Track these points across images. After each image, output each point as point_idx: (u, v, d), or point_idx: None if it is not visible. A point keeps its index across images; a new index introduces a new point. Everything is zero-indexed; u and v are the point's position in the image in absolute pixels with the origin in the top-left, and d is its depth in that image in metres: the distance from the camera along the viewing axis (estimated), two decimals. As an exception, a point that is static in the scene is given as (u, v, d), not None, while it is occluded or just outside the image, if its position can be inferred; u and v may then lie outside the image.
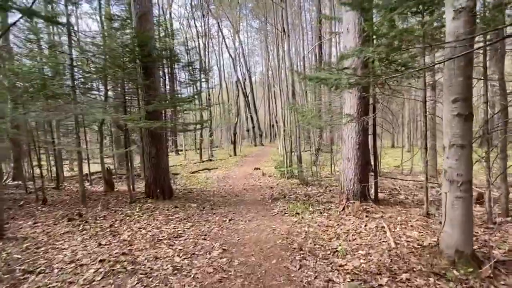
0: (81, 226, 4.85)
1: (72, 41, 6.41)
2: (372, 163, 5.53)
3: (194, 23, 23.23)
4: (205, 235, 4.50)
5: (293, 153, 11.68)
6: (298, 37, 24.52)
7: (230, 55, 26.48)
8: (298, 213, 5.34)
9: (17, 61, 7.78)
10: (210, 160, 18.65)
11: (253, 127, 29.50)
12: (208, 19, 23.91)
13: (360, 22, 4.93)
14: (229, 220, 5.31)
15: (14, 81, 6.67)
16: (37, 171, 8.34)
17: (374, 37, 4.06)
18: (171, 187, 7.19)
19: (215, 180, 11.87)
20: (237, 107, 22.86)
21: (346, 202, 5.38)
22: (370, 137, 5.68)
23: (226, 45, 26.66)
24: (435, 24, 3.43)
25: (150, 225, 4.91)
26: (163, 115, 8.59)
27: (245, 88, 28.65)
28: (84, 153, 11.72)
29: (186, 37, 19.75)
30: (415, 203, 5.76)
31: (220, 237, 4.41)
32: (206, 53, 23.41)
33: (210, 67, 18.62)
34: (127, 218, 5.31)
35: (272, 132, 34.72)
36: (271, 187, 8.87)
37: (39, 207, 6.32)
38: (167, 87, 11.31)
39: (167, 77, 11.42)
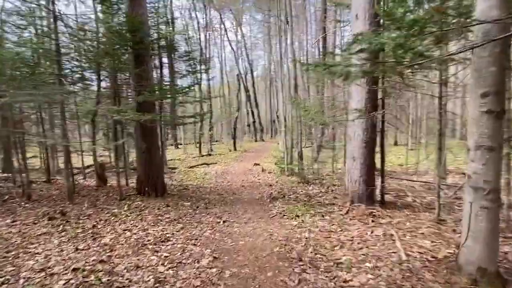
0: (62, 226, 4.44)
1: (59, 25, 5.93)
2: (379, 163, 5.07)
3: (196, 14, 22.60)
4: (196, 239, 4.08)
5: (293, 150, 11.24)
6: (301, 31, 23.87)
7: (232, 48, 25.89)
8: (298, 216, 4.91)
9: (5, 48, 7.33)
10: (210, 155, 18.23)
11: (254, 122, 29.00)
12: (209, 11, 23.27)
13: (371, 7, 4.43)
14: (224, 221, 4.89)
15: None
16: (27, 162, 7.94)
17: (388, 22, 3.58)
18: (164, 184, 6.77)
19: (213, 176, 11.46)
20: (238, 101, 22.35)
21: (350, 205, 4.94)
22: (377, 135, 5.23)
23: (228, 38, 26.04)
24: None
25: (137, 226, 4.49)
26: (159, 107, 8.15)
27: (246, 83, 28.08)
28: (79, 146, 11.34)
29: (187, 28, 19.17)
30: (424, 207, 5.31)
31: (212, 242, 3.99)
32: (208, 45, 22.84)
33: (210, 57, 17.99)
34: (113, 218, 4.89)
35: (273, 128, 34.22)
36: (270, 185, 8.44)
37: (23, 203, 5.92)
38: (166, 78, 10.87)
39: (166, 68, 10.96)
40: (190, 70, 8.14)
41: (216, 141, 27.25)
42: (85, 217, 4.90)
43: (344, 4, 6.86)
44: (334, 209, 5.14)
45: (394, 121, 11.14)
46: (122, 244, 3.81)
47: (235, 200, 6.60)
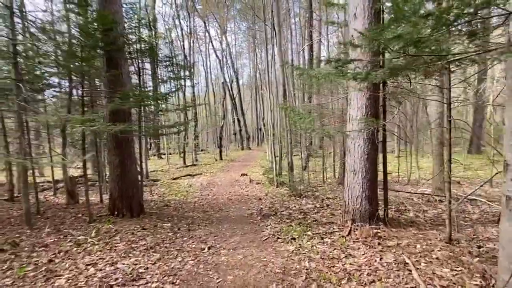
0: (9, 262, 3.59)
1: (19, 24, 5.14)
2: (381, 176, 4.54)
3: (179, 22, 21.95)
4: (175, 274, 3.36)
5: (283, 159, 10.68)
6: (286, 40, 23.69)
7: (217, 56, 25.32)
8: (295, 239, 4.28)
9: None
10: (194, 165, 17.39)
11: (240, 130, 28.38)
12: (193, 18, 22.71)
13: (372, 3, 3.95)
14: (209, 248, 4.18)
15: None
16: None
17: (393, 18, 3.09)
18: (142, 202, 5.97)
19: (198, 188, 10.70)
20: (224, 110, 21.70)
21: (352, 224, 4.36)
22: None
23: (213, 45, 25.50)
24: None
25: (104, 259, 3.71)
26: (138, 116, 7.36)
27: (232, 90, 27.52)
28: (47, 159, 10.30)
29: (169, 33, 18.46)
30: (429, 224, 4.82)
31: (195, 278, 3.28)
32: (192, 53, 22.18)
33: (193, 63, 17.26)
34: (76, 248, 4.07)
35: (260, 136, 33.70)
36: (260, 198, 7.79)
37: (-30, 230, 4.98)
38: (149, 85, 10.10)
39: (147, 75, 10.19)
40: (172, 76, 7.43)
41: (202, 150, 26.36)
42: (42, 248, 4.05)
43: (341, 4, 6.42)
44: (333, 229, 4.55)
45: (395, 130, 10.82)
46: (82, 286, 3.03)
47: (222, 218, 5.90)
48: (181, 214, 6.33)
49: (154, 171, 15.84)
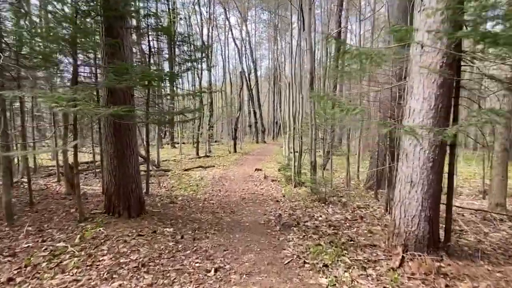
0: (-43, 278, 2.75)
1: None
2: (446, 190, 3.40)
3: (199, 8, 20.87)
4: (167, 315, 2.40)
5: (303, 156, 9.58)
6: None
7: (236, 44, 24.18)
8: (327, 266, 3.23)
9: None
10: (208, 156, 16.55)
11: (256, 123, 27.28)
12: (214, 4, 21.56)
13: None
14: (216, 270, 3.20)
15: None
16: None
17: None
18: (142, 199, 5.07)
19: (209, 182, 9.82)
20: (240, 100, 20.64)
21: (404, 252, 3.26)
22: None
23: (232, 34, 24.33)
24: None
25: (79, 281, 2.79)
26: (146, 100, 6.45)
27: (249, 81, 26.38)
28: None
29: (189, 20, 17.45)
30: (499, 253, 3.66)
31: (193, 324, 2.31)
32: (210, 40, 21.13)
33: (210, 45, 16.10)
34: (49, 260, 3.19)
35: (275, 129, 32.52)
36: (277, 200, 6.77)
37: None
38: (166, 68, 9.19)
39: (159, 55, 9.26)
40: (187, 57, 6.44)
41: (216, 141, 25.53)
42: (8, 259, 3.20)
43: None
44: (377, 255, 3.46)
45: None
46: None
47: (233, 224, 4.92)
48: (188, 215, 5.41)
49: (166, 160, 15.12)
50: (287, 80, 13.83)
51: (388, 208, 5.42)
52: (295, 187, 8.84)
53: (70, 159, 8.24)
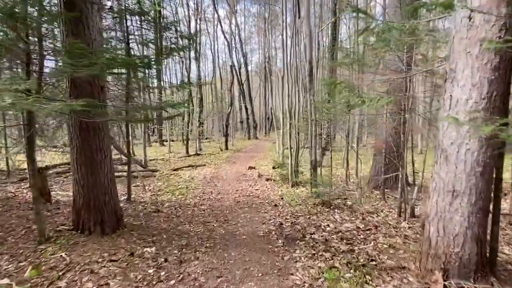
0: None
1: None
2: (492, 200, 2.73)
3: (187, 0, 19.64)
4: None
5: (300, 153, 8.87)
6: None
7: (225, 38, 23.10)
8: (350, 301, 2.51)
9: None
10: (198, 155, 15.66)
11: (247, 119, 26.43)
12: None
13: None
14: (208, 311, 2.43)
15: None
16: None
17: None
18: (119, 212, 4.22)
19: (199, 183, 9.02)
20: (231, 96, 19.74)
21: (444, 279, 2.57)
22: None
23: (221, 27, 23.25)
24: None
25: None
26: (126, 96, 5.53)
27: (240, 75, 25.42)
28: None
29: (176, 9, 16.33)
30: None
31: None
32: (199, 34, 20.04)
33: (196, 32, 14.96)
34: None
35: (267, 125, 31.77)
36: (275, 205, 6.03)
37: None
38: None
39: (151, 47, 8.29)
40: (174, 47, 5.56)
41: (207, 138, 24.57)
42: None
43: None
44: (410, 283, 2.75)
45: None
46: None
47: (228, 238, 4.15)
48: (174, 227, 4.60)
49: (154, 159, 14.18)
50: (280, 73, 13.10)
51: (401, 213, 4.76)
52: (292, 186, 8.15)
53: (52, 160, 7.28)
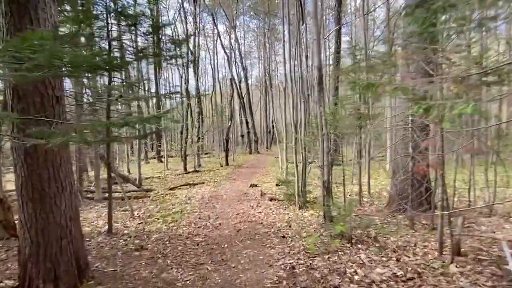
0: None
1: None
2: None
3: (185, 16, 19.03)
4: None
5: (307, 171, 7.86)
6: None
7: (225, 51, 22.54)
8: None
9: None
10: (197, 171, 14.67)
11: (248, 133, 25.51)
12: (199, 7, 19.90)
13: None
14: None
15: None
16: None
17: None
18: (82, 260, 3.18)
19: (196, 204, 8.04)
20: (231, 109, 18.89)
21: None
22: None
23: (221, 41, 22.76)
24: None
25: None
26: (107, 108, 4.56)
27: (240, 89, 24.73)
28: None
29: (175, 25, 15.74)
30: None
31: None
32: (197, 49, 19.44)
33: (187, 36, 14.04)
34: None
35: (269, 139, 30.84)
36: (283, 236, 4.99)
37: None
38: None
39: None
40: (156, 52, 4.71)
41: (206, 153, 23.59)
42: None
43: None
44: None
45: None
46: None
47: (226, 291, 3.11)
48: (158, 274, 3.55)
49: (150, 177, 13.18)
50: (282, 85, 12.32)
51: (443, 251, 3.72)
52: (300, 209, 7.13)
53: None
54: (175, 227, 5.74)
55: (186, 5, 19.25)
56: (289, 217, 6.33)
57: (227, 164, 16.85)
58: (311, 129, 7.97)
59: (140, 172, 11.48)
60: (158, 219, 6.34)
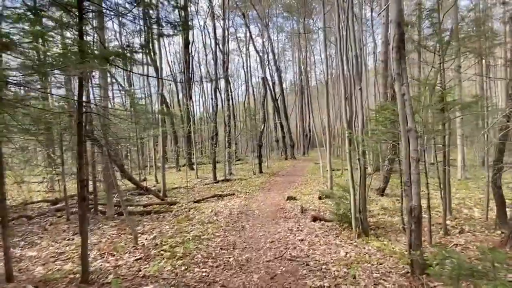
0: None
1: None
2: None
3: (214, 21, 17.53)
4: None
5: (367, 188, 5.60)
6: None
7: (257, 52, 20.91)
8: None
9: None
10: (227, 180, 12.99)
11: (283, 137, 23.36)
12: (228, 12, 18.58)
13: None
14: None
15: None
16: None
17: None
18: None
19: (223, 223, 6.30)
20: (264, 111, 16.99)
21: None
22: None
23: (253, 42, 21.17)
24: None
25: None
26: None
27: (274, 91, 22.83)
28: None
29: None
30: None
31: None
32: (228, 51, 18.09)
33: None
34: None
35: (306, 143, 28.35)
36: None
37: None
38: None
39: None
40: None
41: (239, 159, 21.97)
42: None
43: None
44: None
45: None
46: None
47: None
48: None
49: (176, 187, 11.79)
50: (320, 83, 10.17)
51: None
52: (358, 237, 4.95)
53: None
54: (183, 268, 3.95)
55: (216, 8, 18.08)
56: (348, 255, 4.20)
57: (260, 171, 14.96)
58: (370, 126, 5.73)
59: (165, 182, 10.10)
60: (165, 251, 4.62)
